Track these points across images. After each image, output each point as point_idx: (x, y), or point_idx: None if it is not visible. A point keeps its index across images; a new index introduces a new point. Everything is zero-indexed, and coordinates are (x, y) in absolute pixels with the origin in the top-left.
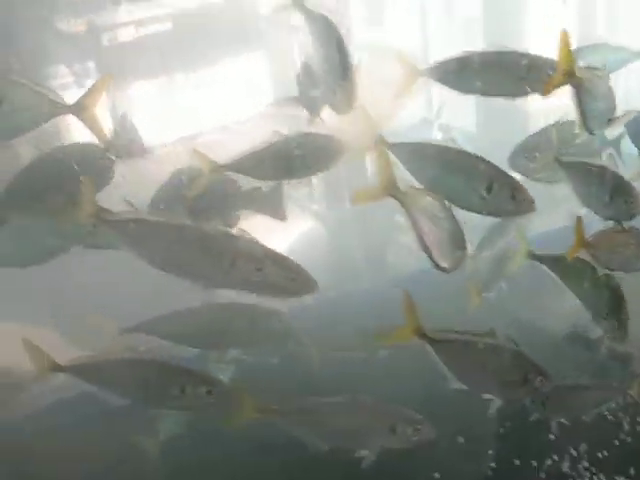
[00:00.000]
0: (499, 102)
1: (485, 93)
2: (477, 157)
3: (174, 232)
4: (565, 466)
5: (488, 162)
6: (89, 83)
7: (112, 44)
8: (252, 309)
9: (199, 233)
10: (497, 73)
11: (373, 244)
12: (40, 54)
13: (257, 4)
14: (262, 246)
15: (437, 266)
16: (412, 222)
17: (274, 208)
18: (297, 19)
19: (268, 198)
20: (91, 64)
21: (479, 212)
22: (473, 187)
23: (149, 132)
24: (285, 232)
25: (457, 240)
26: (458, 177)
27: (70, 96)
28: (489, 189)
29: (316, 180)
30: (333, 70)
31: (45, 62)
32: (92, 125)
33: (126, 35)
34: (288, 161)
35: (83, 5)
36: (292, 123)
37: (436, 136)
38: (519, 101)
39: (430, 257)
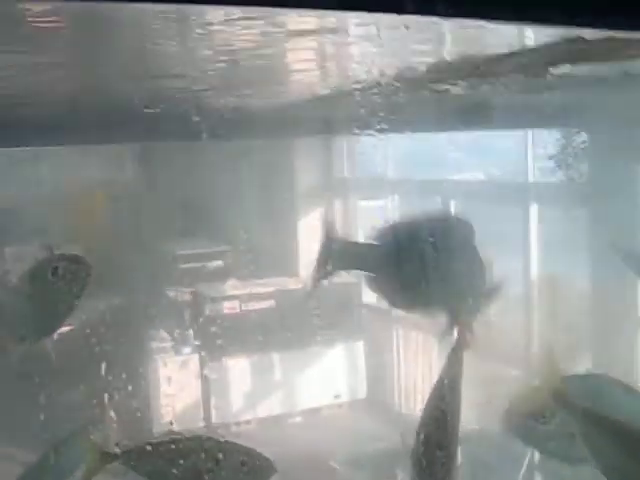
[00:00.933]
0: None
1: None
2: None
3: None
4: None
5: None
6: (186, 350)
7: (215, 314)
8: None
9: None
10: None
11: None
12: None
13: None
14: None
15: None
16: None
17: None
18: None
19: None
20: (190, 333)
21: None
22: None
23: (236, 408)
24: None
25: None
26: None
27: (167, 360)
28: None
29: None
30: None
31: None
32: None
33: (229, 308)
34: None
35: (191, 277)
36: None
37: None
38: None
39: None
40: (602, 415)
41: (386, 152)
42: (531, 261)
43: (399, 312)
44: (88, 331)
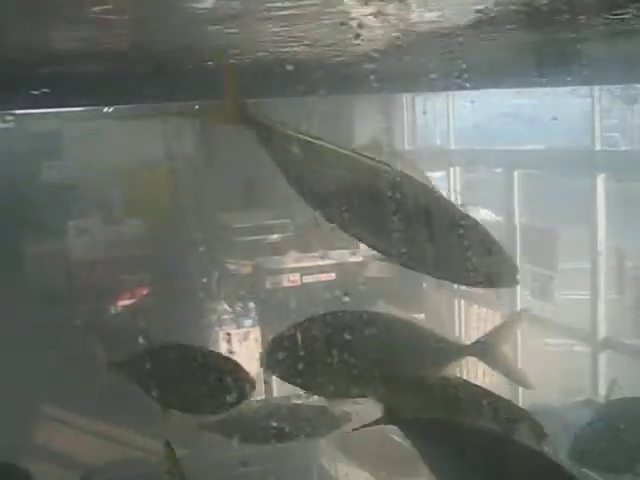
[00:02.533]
0: None
1: None
2: None
3: None
4: None
5: None
6: (247, 323)
7: (276, 287)
8: None
9: None
10: None
11: None
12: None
13: None
14: None
15: None
16: None
17: None
18: None
19: None
20: (251, 304)
21: None
22: None
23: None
24: None
25: None
26: None
27: (227, 332)
28: None
29: None
30: None
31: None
32: None
33: (290, 280)
34: None
35: (251, 250)
36: None
37: None
38: None
39: None
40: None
41: (447, 123)
42: (598, 233)
43: (460, 285)
44: (151, 304)
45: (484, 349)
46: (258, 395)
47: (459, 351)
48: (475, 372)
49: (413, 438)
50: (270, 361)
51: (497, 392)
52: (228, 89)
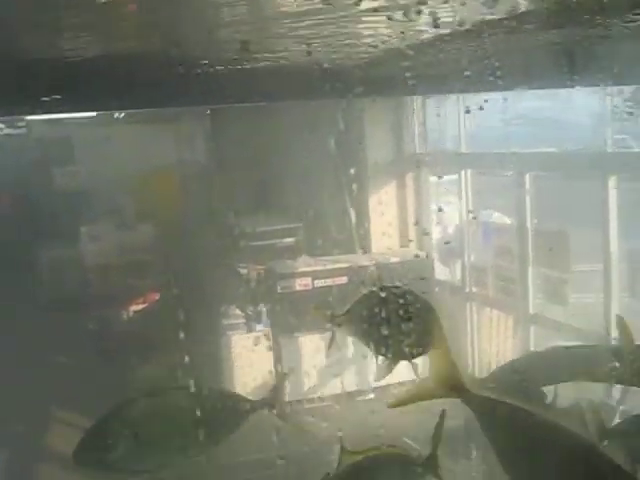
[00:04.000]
0: None
1: None
2: None
3: None
4: None
5: None
6: (258, 327)
7: (287, 291)
8: None
9: None
10: None
11: None
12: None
13: None
14: None
15: None
16: None
17: None
18: None
19: None
20: (262, 309)
21: None
22: None
23: (309, 385)
24: None
25: None
26: None
27: (238, 339)
28: None
29: None
30: None
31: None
32: None
33: (301, 284)
34: None
35: (263, 254)
36: None
37: None
38: None
39: None
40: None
41: (459, 126)
42: (610, 235)
43: (472, 288)
44: (162, 309)
45: None
46: None
47: None
48: None
49: (482, 420)
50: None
51: None
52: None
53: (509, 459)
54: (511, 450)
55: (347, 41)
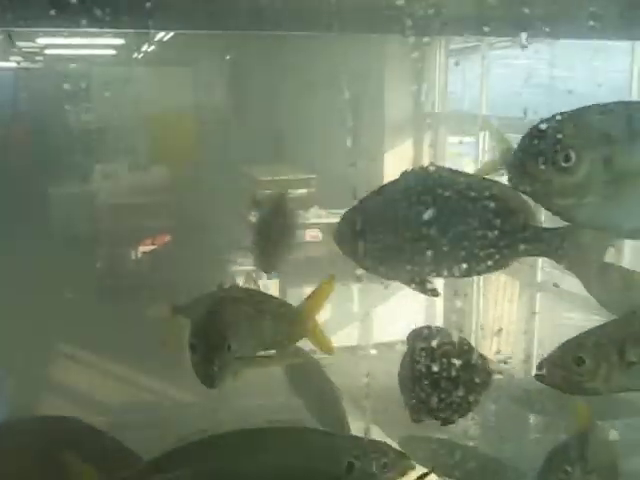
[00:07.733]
0: None
1: None
2: None
3: None
4: None
5: None
6: (265, 276)
7: (297, 241)
8: None
9: None
10: None
11: None
12: None
13: None
14: None
15: None
16: None
17: None
18: None
19: None
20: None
21: None
22: None
23: None
24: None
25: None
26: None
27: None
28: None
29: None
30: None
31: (230, 249)
32: None
33: (311, 236)
34: None
35: None
36: None
37: None
38: None
39: None
40: None
41: (481, 88)
42: None
43: None
44: (172, 251)
45: None
46: None
47: None
48: None
49: None
50: None
51: None
52: None
53: None
54: None
55: None
